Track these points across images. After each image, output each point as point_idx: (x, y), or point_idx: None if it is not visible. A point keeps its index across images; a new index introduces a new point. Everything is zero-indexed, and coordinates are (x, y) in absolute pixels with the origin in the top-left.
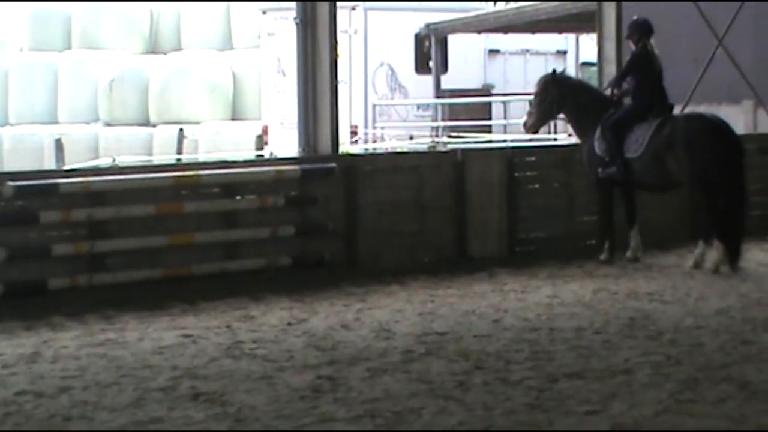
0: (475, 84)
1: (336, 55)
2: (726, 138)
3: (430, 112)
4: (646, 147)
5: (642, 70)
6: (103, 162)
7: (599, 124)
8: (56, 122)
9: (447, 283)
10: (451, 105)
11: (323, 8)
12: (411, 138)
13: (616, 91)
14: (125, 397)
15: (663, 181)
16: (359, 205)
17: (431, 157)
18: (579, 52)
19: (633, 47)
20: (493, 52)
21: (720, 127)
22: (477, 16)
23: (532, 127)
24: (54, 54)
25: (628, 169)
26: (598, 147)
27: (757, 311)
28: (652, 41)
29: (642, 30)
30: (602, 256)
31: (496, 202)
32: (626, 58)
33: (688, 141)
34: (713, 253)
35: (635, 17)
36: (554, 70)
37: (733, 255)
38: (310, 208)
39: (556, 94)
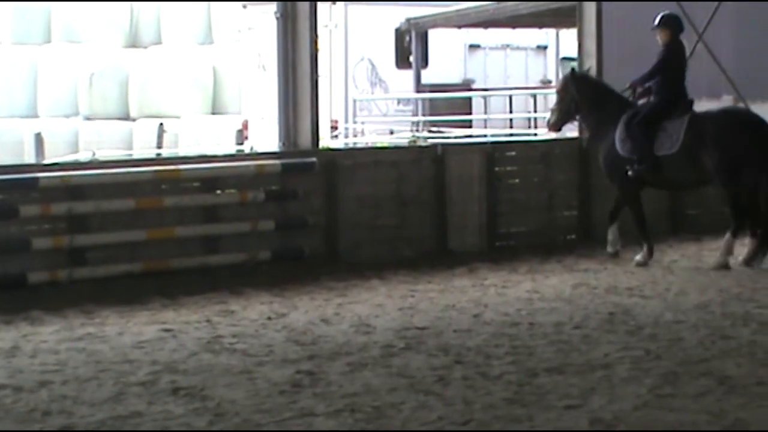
0: (455, 79)
1: (316, 50)
2: (761, 130)
3: (410, 107)
4: (682, 143)
5: (672, 66)
6: (83, 156)
7: (617, 125)
8: (36, 116)
9: (427, 277)
10: (431, 100)
11: (303, 3)
12: (391, 133)
13: (639, 89)
14: (105, 392)
15: (698, 177)
16: (339, 199)
17: (411, 151)
18: (559, 47)
19: (660, 40)
20: (474, 47)
21: (754, 120)
22: (457, 11)
23: (554, 126)
24: (34, 48)
25: (658, 166)
26: (621, 148)
27: (737, 306)
28: (682, 37)
29: (674, 24)
30: (638, 257)
31: (476, 197)
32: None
33: (721, 136)
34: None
35: (667, 11)
36: (573, 69)
37: (762, 248)
38: (291, 202)
39: (574, 93)
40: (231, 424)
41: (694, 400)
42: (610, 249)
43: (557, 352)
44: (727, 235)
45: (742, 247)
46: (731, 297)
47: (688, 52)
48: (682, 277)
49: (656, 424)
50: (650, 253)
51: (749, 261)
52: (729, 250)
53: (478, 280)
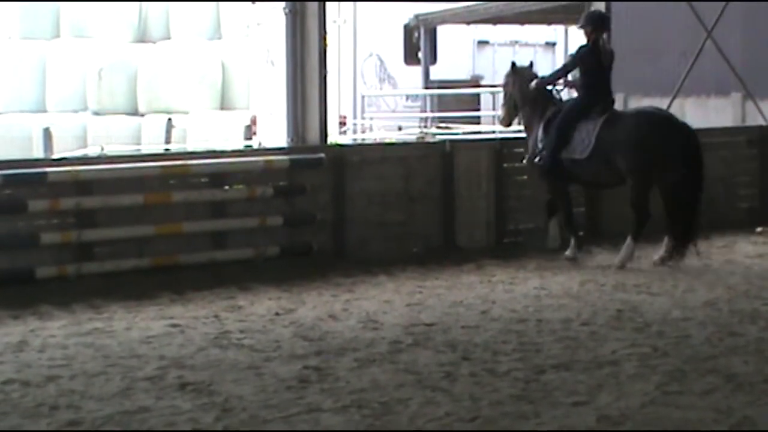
0: (464, 75)
1: (325, 46)
2: (678, 132)
3: (418, 103)
4: (594, 148)
5: (589, 65)
6: (92, 151)
7: (541, 122)
8: (45, 111)
9: (435, 274)
10: (439, 96)
11: None
12: (399, 129)
13: (562, 81)
14: (112, 387)
15: (613, 179)
16: (347, 195)
17: (420, 147)
18: (568, 44)
19: (585, 38)
20: (482, 43)
21: (670, 121)
22: (466, 7)
23: (503, 121)
24: (43, 43)
25: (559, 168)
26: (540, 142)
27: (744, 303)
28: (605, 36)
29: (597, 23)
30: (567, 253)
31: (485, 193)
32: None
33: (637, 138)
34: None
35: (593, 9)
36: (513, 63)
37: (680, 250)
38: (299, 198)
39: (511, 87)
40: (238, 420)
41: (701, 398)
42: (550, 244)
43: (564, 348)
44: (628, 240)
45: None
46: (739, 294)
47: (696, 49)
48: (690, 275)
49: (663, 422)
50: (580, 246)
51: (665, 260)
52: (631, 255)
53: (486, 277)
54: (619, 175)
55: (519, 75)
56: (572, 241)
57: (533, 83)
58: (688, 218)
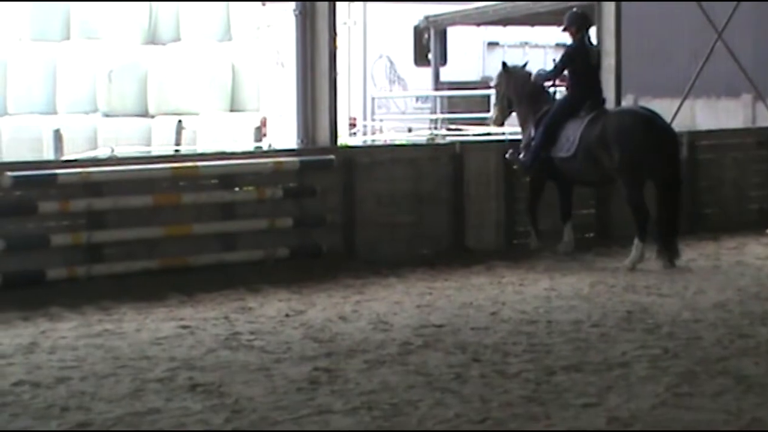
0: (473, 76)
1: (335, 47)
2: (660, 131)
3: (428, 105)
4: (578, 146)
5: (578, 63)
6: (102, 153)
7: (536, 116)
8: (55, 113)
9: (445, 275)
10: (449, 97)
11: (323, 1)
12: (410, 130)
13: (549, 84)
14: (123, 388)
15: (600, 178)
16: (357, 197)
17: (430, 149)
18: None
19: (571, 39)
20: (492, 44)
21: (653, 120)
22: (476, 8)
23: (495, 121)
24: (53, 44)
25: (541, 166)
26: (532, 140)
27: (755, 305)
28: (590, 34)
29: (580, 22)
30: (562, 247)
31: (494, 195)
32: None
33: (620, 137)
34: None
35: (575, 9)
36: (504, 63)
37: (670, 251)
38: (309, 199)
39: (504, 87)
40: (248, 421)
41: (711, 399)
42: (561, 249)
43: (575, 350)
44: (636, 241)
45: None
46: (749, 296)
47: (707, 50)
48: (700, 276)
49: (673, 423)
50: (538, 238)
51: (672, 260)
52: (641, 256)
53: (496, 278)
54: (606, 174)
55: (511, 75)
56: (533, 233)
57: (532, 78)
58: (672, 217)
